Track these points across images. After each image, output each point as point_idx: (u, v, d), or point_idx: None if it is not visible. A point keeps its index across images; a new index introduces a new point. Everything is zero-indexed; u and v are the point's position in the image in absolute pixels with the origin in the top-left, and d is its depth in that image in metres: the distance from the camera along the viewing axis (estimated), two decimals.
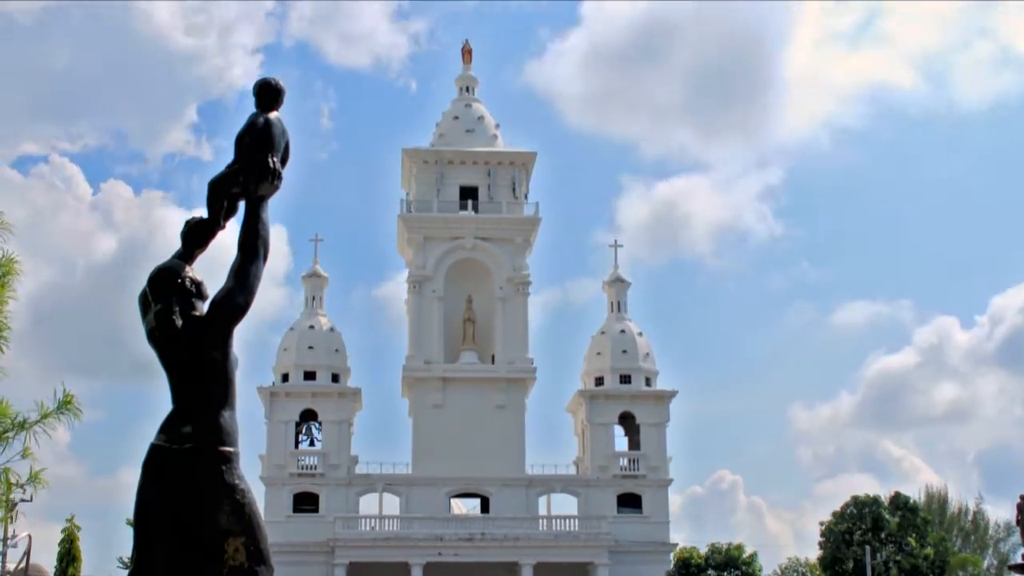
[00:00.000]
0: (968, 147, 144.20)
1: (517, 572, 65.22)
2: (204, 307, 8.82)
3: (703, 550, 68.83)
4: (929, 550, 65.72)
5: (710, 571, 67.40)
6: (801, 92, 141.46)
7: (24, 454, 13.29)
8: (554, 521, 68.28)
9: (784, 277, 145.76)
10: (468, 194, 74.37)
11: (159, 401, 8.72)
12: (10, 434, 13.16)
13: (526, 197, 75.15)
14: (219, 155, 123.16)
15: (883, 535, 65.94)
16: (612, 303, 75.29)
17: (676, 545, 69.70)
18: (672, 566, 67.93)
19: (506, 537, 65.02)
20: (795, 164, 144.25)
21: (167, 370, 8.67)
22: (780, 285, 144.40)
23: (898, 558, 65.56)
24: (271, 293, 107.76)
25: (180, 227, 9.15)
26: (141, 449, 8.55)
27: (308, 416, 70.69)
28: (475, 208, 74.02)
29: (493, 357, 72.28)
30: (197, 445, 8.40)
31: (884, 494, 68.90)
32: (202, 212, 9.20)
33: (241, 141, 9.01)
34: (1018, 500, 36.62)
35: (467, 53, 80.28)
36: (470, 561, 64.52)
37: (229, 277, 8.77)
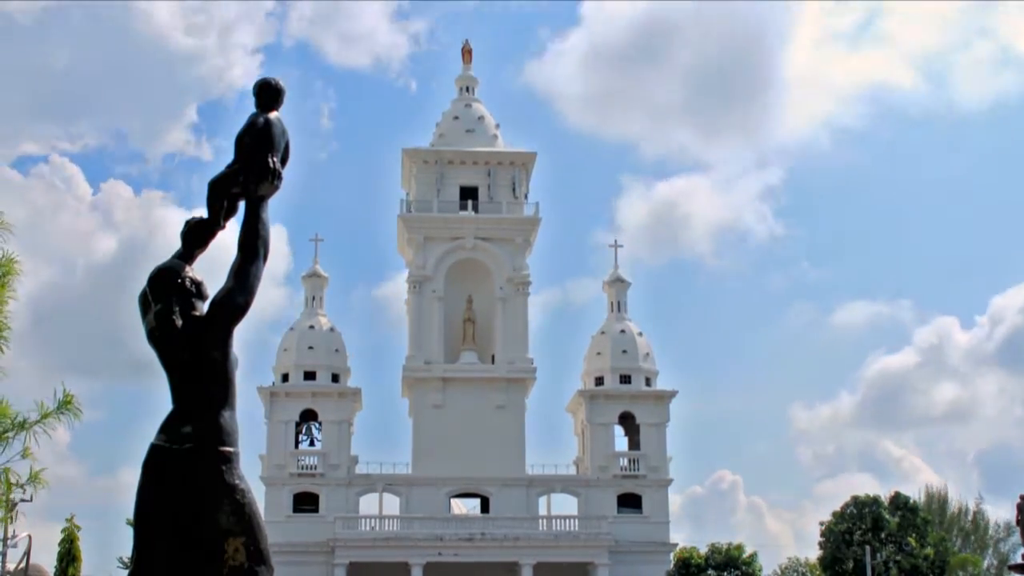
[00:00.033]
0: (968, 147, 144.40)
1: (517, 572, 65.22)
2: (204, 307, 8.82)
3: (703, 550, 68.86)
4: (929, 550, 65.72)
5: (710, 571, 67.42)
6: (801, 92, 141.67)
7: (24, 454, 13.29)
8: (554, 521, 68.28)
9: (784, 277, 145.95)
10: (468, 194, 74.37)
11: (159, 401, 8.73)
12: (10, 434, 13.16)
13: (526, 197, 75.16)
14: (219, 155, 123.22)
15: (883, 535, 65.94)
16: (612, 303, 75.28)
17: (676, 545, 69.72)
18: (672, 566, 67.94)
19: (506, 537, 65.02)
20: (795, 164, 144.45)
21: (167, 370, 8.67)
22: (780, 285, 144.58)
23: (898, 558, 65.57)
24: (271, 293, 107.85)
25: (180, 227, 9.16)
26: (141, 449, 8.55)
27: (308, 416, 70.69)
28: (475, 208, 74.01)
29: (493, 357, 72.29)
30: (197, 445, 8.39)
31: (884, 494, 69.00)
32: (202, 212, 9.20)
33: (241, 141, 9.00)
34: (1018, 500, 36.62)
35: (467, 53, 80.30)
36: (470, 561, 64.51)
37: (229, 277, 8.77)
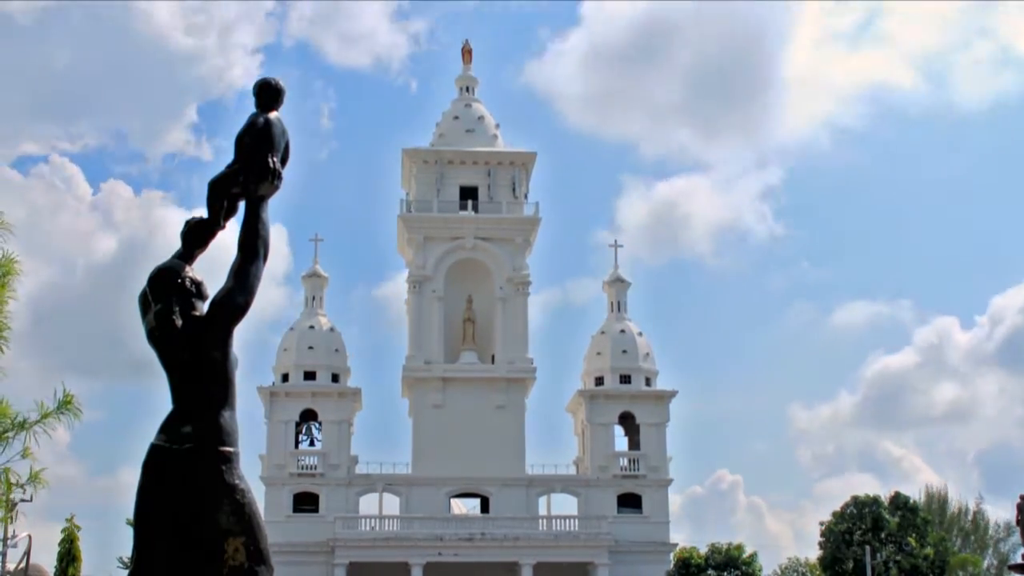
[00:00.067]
0: (968, 147, 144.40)
1: (517, 572, 65.22)
2: (204, 307, 8.82)
3: (703, 550, 68.88)
4: (929, 550, 65.73)
5: (710, 571, 67.43)
6: (801, 92, 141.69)
7: (24, 454, 13.29)
8: (554, 521, 68.28)
9: (784, 277, 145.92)
10: (468, 194, 74.38)
11: (159, 401, 8.72)
12: (10, 434, 13.16)
13: (526, 197, 75.16)
14: (219, 155, 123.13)
15: (883, 535, 65.96)
16: (612, 303, 75.28)
17: (676, 545, 69.73)
18: (672, 566, 67.95)
19: (506, 537, 65.02)
20: (795, 164, 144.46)
21: (167, 370, 8.67)
22: (780, 285, 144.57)
23: (898, 558, 65.57)
24: (271, 293, 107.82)
25: (180, 227, 9.16)
26: (141, 449, 8.55)
27: (308, 416, 70.70)
28: (475, 208, 74.02)
29: (493, 357, 72.29)
30: (197, 445, 8.39)
31: (884, 494, 69.03)
32: (202, 212, 9.20)
33: (241, 141, 9.00)
34: (1018, 500, 36.60)
35: (467, 53, 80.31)
36: (470, 561, 64.52)
37: (229, 277, 8.77)
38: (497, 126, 78.22)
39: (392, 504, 69.81)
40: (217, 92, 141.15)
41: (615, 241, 77.71)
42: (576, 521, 67.75)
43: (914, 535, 66.16)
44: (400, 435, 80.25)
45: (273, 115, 9.14)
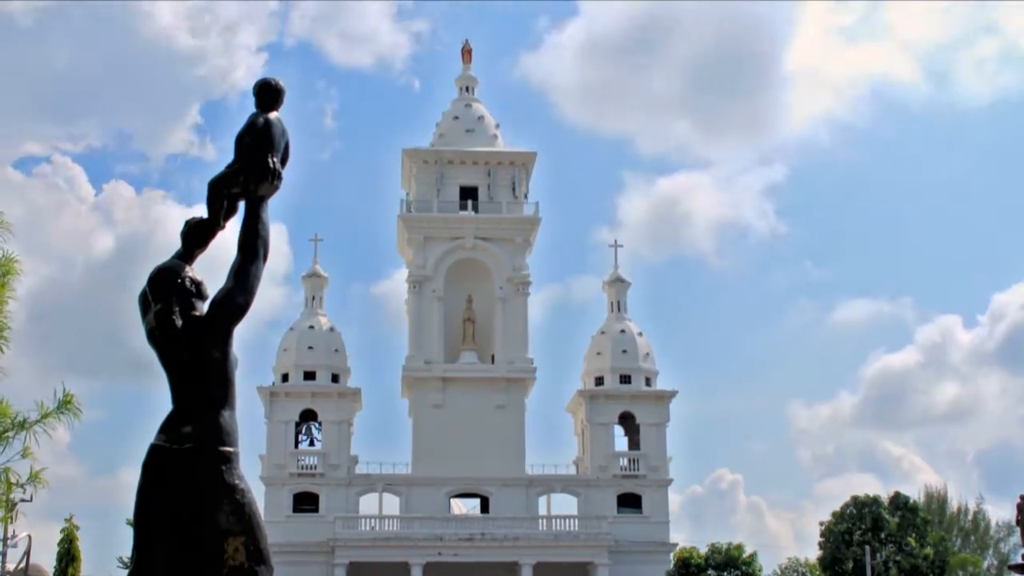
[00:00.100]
0: (970, 145, 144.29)
1: (517, 572, 65.22)
2: (204, 307, 8.81)
3: (703, 550, 68.89)
4: (929, 550, 65.73)
5: (710, 571, 67.44)
6: (803, 88, 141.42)
7: (24, 454, 13.30)
8: (554, 521, 68.28)
9: (785, 275, 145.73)
10: (468, 194, 74.38)
11: (159, 401, 8.72)
12: (10, 434, 13.17)
13: (526, 197, 75.17)
14: (222, 155, 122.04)
15: (883, 535, 65.96)
16: (612, 303, 75.27)
17: (676, 545, 69.72)
18: (672, 566, 67.95)
19: (506, 537, 65.01)
20: (797, 161, 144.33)
21: (167, 370, 8.66)
22: (781, 283, 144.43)
23: (898, 558, 65.57)
24: (271, 293, 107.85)
25: (180, 225, 9.16)
26: (141, 449, 8.54)
27: (308, 416, 70.70)
28: (475, 208, 74.02)
29: (493, 357, 72.28)
30: (197, 445, 8.38)
31: (884, 494, 69.03)
32: (203, 212, 9.19)
33: (241, 141, 8.99)
34: (1018, 500, 36.65)
35: (467, 53, 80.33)
36: (470, 561, 64.52)
37: (229, 277, 8.76)
38: (497, 126, 78.25)
39: (392, 504, 69.84)
40: (220, 92, 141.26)
41: (615, 241, 77.80)
42: (576, 521, 67.75)
43: (914, 535, 66.17)
44: (400, 435, 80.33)
45: (273, 115, 9.13)
